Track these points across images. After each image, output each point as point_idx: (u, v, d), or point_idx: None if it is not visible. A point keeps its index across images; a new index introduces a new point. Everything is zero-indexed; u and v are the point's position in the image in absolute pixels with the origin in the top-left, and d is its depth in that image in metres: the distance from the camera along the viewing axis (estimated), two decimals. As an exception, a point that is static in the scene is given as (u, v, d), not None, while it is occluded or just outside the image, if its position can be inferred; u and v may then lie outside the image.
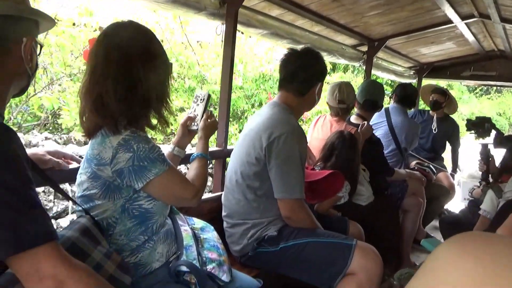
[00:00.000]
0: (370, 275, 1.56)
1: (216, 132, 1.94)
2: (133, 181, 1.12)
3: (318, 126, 2.55)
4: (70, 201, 1.17)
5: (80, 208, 1.15)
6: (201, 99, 1.49)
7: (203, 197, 2.07)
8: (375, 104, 2.69)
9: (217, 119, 1.55)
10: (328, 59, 3.59)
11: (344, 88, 2.47)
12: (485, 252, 0.35)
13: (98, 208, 1.16)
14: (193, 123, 1.48)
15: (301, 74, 1.76)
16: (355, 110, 2.74)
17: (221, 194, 1.91)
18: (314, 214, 1.78)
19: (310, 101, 1.84)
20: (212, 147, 2.23)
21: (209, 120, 1.47)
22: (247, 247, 1.70)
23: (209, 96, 1.49)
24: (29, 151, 0.90)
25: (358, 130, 2.43)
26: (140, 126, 1.19)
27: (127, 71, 1.12)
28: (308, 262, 1.62)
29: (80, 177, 1.20)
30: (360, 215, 2.24)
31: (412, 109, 3.68)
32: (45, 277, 0.75)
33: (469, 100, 15.05)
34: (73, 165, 1.38)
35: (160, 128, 1.24)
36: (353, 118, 2.73)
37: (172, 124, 1.28)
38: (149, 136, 1.21)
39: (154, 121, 1.24)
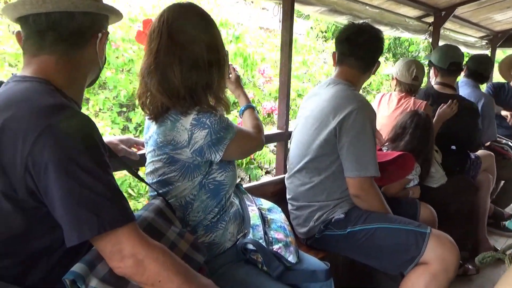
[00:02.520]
0: (445, 265, 1.47)
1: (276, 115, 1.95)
2: (213, 153, 1.17)
3: (384, 104, 2.42)
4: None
5: (154, 193, 1.20)
6: None
7: (266, 180, 2.09)
8: (459, 65, 2.54)
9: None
10: (390, 33, 3.39)
11: (419, 64, 2.37)
12: None
13: (177, 190, 1.21)
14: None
15: (368, 49, 1.69)
16: (436, 78, 2.60)
17: (284, 177, 1.90)
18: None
19: (367, 78, 1.80)
20: (273, 129, 2.22)
21: (231, 74, 1.54)
22: (314, 229, 1.68)
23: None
24: (104, 139, 0.95)
25: (439, 109, 2.32)
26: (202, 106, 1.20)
27: (192, 52, 1.13)
28: (377, 248, 1.56)
29: (154, 164, 1.24)
30: (431, 197, 2.11)
31: (488, 83, 3.39)
32: (126, 257, 0.79)
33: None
34: (143, 151, 1.45)
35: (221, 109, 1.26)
36: (438, 88, 2.57)
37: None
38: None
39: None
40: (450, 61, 2.51)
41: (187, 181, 1.20)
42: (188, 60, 1.13)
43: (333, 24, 6.47)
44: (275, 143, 2.47)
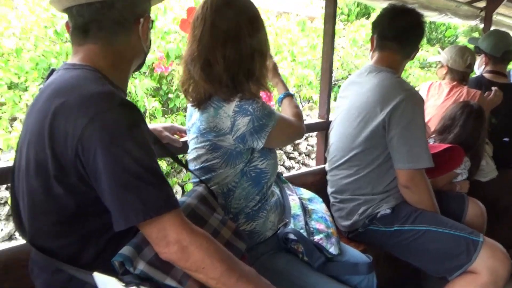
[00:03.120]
0: (495, 277, 1.40)
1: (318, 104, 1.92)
2: (255, 141, 1.16)
3: (433, 93, 2.31)
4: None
5: (197, 180, 1.22)
6: None
7: (305, 170, 2.07)
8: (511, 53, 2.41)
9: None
10: (438, 19, 3.22)
11: (472, 51, 2.26)
12: None
13: (219, 177, 1.21)
14: None
15: (412, 33, 1.61)
16: (486, 67, 2.47)
17: (324, 167, 1.86)
18: None
19: (404, 66, 1.72)
20: (314, 119, 2.18)
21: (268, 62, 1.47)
22: (357, 223, 1.63)
23: None
24: (149, 126, 0.97)
25: (489, 96, 2.18)
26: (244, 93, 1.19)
27: (235, 40, 1.13)
28: (424, 250, 1.50)
29: (197, 151, 1.25)
30: (480, 192, 2.01)
31: None
32: (171, 243, 0.80)
33: None
34: (185, 138, 1.46)
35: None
36: (490, 76, 2.43)
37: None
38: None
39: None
40: (504, 50, 2.38)
41: (229, 168, 1.20)
42: (230, 47, 1.13)
43: (357, 4, 6.19)
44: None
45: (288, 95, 1.46)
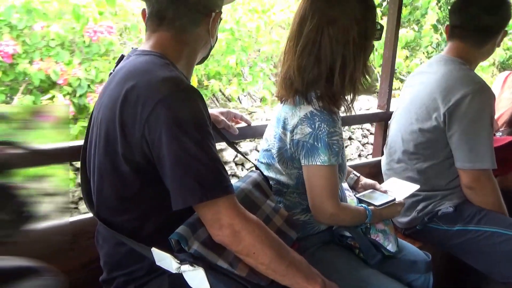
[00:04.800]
0: None
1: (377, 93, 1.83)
2: (302, 156, 1.13)
3: (510, 85, 2.11)
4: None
5: (253, 164, 1.23)
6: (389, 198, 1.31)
7: (362, 161, 2.01)
8: None
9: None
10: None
11: None
12: None
13: (275, 167, 1.22)
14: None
15: (484, 19, 1.45)
16: None
17: (380, 159, 1.79)
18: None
19: (488, 52, 1.56)
20: (373, 109, 2.10)
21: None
22: (416, 220, 1.56)
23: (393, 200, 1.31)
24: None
25: None
26: (335, 103, 1.14)
27: (339, 38, 1.08)
28: (490, 253, 1.41)
29: (269, 132, 1.27)
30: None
31: None
32: (224, 226, 0.82)
33: None
34: (242, 124, 1.48)
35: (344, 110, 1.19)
36: None
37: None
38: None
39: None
40: None
41: (281, 165, 1.20)
42: (331, 47, 1.09)
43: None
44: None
45: (367, 213, 1.22)
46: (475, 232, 1.43)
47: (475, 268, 1.48)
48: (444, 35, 1.86)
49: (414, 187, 1.40)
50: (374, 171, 1.85)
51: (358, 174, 1.48)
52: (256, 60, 4.27)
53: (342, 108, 1.17)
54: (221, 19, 1.03)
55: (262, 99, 4.26)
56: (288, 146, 1.16)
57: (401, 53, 4.95)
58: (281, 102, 1.23)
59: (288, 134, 1.15)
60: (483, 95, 1.40)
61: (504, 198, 1.52)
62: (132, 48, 1.01)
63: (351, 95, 1.16)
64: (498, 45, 1.55)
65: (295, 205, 1.22)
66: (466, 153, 1.41)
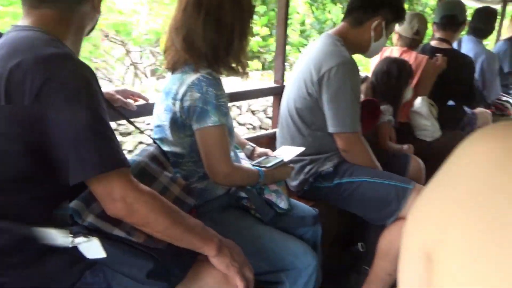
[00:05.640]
0: None
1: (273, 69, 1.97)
2: (194, 121, 1.20)
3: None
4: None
5: (150, 139, 1.26)
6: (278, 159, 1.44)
7: (259, 133, 2.14)
8: (453, 18, 2.44)
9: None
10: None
11: (422, 18, 2.33)
12: None
13: (169, 140, 1.26)
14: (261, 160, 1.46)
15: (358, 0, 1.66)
16: (435, 34, 2.57)
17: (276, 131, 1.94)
18: (373, 150, 1.75)
19: (365, 38, 1.68)
20: (270, 82, 2.24)
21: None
22: (304, 182, 1.74)
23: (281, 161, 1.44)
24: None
25: (433, 62, 2.30)
26: (219, 69, 1.25)
27: (217, 15, 1.17)
28: (362, 200, 1.62)
29: (158, 108, 1.30)
30: (424, 151, 2.16)
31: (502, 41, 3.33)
32: (116, 199, 0.84)
33: None
34: (140, 102, 1.49)
35: (239, 71, 1.29)
36: (435, 43, 2.53)
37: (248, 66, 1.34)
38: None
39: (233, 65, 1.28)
40: (442, 14, 2.46)
41: (175, 135, 1.25)
42: (212, 23, 1.17)
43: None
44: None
45: (259, 173, 1.33)
46: (349, 183, 1.64)
47: (358, 215, 1.70)
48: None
49: (300, 149, 1.56)
50: (272, 142, 1.99)
51: (253, 145, 1.60)
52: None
53: (236, 75, 1.28)
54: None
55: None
56: (179, 115, 1.21)
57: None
58: (172, 72, 1.27)
59: (178, 103, 1.20)
60: (346, 67, 1.57)
61: (380, 156, 1.77)
62: (11, 25, 0.95)
63: (241, 62, 1.26)
64: (377, 34, 1.68)
65: (191, 174, 1.29)
66: (333, 119, 1.60)
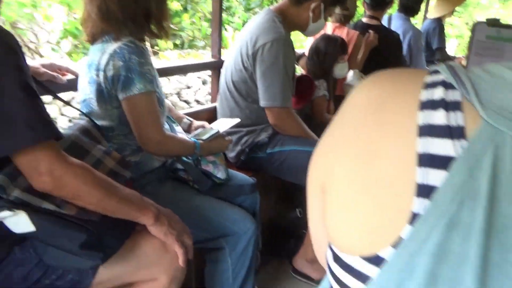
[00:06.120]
0: None
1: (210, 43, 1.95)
2: (119, 90, 1.17)
3: (321, 33, 2.49)
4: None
5: (80, 112, 1.22)
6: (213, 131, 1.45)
7: (199, 108, 2.14)
8: None
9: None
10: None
11: None
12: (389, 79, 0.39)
13: (96, 113, 1.23)
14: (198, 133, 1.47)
15: None
16: (366, 12, 2.68)
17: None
18: (312, 123, 1.83)
19: (303, 18, 1.72)
20: (208, 58, 2.23)
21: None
22: (241, 153, 1.79)
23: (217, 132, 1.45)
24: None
25: (365, 39, 2.42)
26: (141, 37, 1.23)
27: None
28: (292, 168, 1.70)
29: (82, 81, 1.26)
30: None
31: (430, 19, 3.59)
32: (43, 173, 0.81)
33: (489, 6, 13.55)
34: (69, 76, 1.42)
35: (162, 36, 1.28)
36: (366, 20, 2.66)
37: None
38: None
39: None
40: None
41: (102, 107, 1.22)
42: None
43: None
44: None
45: (195, 145, 1.34)
46: (279, 153, 1.73)
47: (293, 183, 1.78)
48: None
49: (235, 120, 1.60)
50: (212, 116, 2.01)
51: (191, 119, 1.61)
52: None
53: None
54: None
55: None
56: (104, 85, 1.19)
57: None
58: (92, 44, 1.24)
59: (101, 73, 1.18)
60: (280, 44, 1.62)
61: (320, 128, 1.85)
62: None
63: (162, 27, 1.26)
64: (315, 16, 1.71)
65: (123, 147, 1.27)
66: (264, 93, 1.66)
